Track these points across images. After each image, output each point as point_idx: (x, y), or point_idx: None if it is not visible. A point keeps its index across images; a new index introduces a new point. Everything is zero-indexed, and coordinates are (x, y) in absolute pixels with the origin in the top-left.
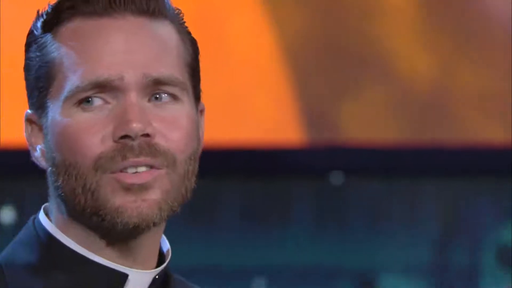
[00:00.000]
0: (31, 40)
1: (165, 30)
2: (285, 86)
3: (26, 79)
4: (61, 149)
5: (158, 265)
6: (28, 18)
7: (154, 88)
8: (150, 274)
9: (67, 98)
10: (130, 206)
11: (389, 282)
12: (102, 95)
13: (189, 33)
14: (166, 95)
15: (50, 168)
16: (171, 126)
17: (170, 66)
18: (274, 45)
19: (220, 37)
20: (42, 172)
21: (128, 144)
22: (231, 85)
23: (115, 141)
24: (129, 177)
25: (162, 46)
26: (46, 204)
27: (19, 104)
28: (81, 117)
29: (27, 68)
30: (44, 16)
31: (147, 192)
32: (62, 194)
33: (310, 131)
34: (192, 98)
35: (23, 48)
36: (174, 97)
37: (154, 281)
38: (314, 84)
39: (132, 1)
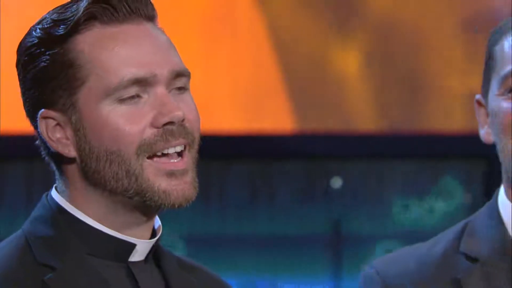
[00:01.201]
0: (42, 49)
1: (163, 32)
2: None
3: (36, 82)
4: (102, 139)
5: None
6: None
7: (175, 80)
8: (150, 243)
9: (106, 95)
10: (176, 189)
11: None
12: (136, 90)
13: None
14: (181, 86)
15: (80, 156)
16: (189, 111)
17: (181, 61)
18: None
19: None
20: None
21: (170, 129)
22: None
23: (156, 127)
24: (171, 164)
25: (171, 45)
26: (56, 184)
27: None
28: (121, 110)
29: (38, 74)
30: (56, 25)
31: (186, 176)
32: (98, 177)
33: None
34: None
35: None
36: (185, 86)
37: (151, 249)
38: None
39: (144, 9)
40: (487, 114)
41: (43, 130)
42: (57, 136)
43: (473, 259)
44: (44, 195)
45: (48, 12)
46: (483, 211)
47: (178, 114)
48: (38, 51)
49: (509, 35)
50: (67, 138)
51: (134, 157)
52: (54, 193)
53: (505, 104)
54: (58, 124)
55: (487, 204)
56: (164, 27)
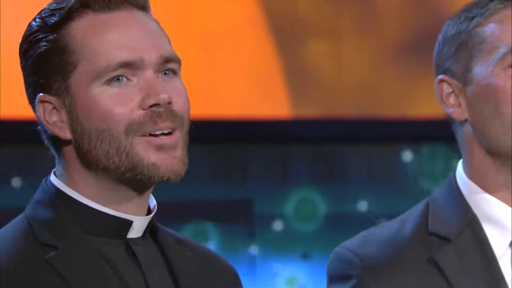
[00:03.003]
0: (39, 36)
1: (154, 20)
2: None
3: (35, 68)
4: (92, 119)
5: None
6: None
7: (164, 65)
8: (146, 219)
9: (96, 78)
10: (164, 163)
11: None
12: (125, 73)
13: None
14: (170, 70)
15: (74, 137)
16: (178, 94)
17: (170, 47)
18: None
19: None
20: None
21: (157, 111)
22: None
23: (144, 109)
24: (160, 139)
25: (161, 32)
26: (54, 169)
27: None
28: (110, 92)
29: (36, 60)
30: (52, 13)
31: (176, 150)
32: (91, 157)
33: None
34: None
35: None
36: (174, 71)
37: (148, 225)
38: None
39: None
40: (462, 92)
41: (41, 114)
42: (54, 119)
43: (445, 239)
44: (43, 180)
45: (48, 4)
46: (443, 190)
47: (164, 96)
48: (36, 38)
49: (494, 15)
50: (62, 121)
51: (124, 135)
52: (52, 177)
53: (503, 80)
54: (54, 107)
55: (446, 182)
56: (165, 28)
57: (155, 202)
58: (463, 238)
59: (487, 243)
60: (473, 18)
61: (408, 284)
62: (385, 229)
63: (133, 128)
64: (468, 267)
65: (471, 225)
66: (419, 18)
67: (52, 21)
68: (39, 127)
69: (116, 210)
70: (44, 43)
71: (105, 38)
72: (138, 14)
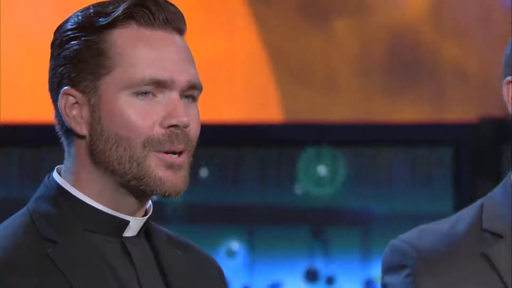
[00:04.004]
0: (78, 34)
1: (187, 45)
2: None
3: (68, 62)
4: (114, 124)
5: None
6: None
7: (188, 91)
8: (142, 220)
9: (128, 87)
10: (169, 179)
11: None
12: (154, 90)
13: None
14: (191, 97)
15: (90, 135)
16: (194, 120)
17: (197, 75)
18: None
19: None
20: None
21: (175, 132)
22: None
23: (163, 127)
24: (171, 158)
25: (191, 58)
26: (58, 166)
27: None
28: (137, 104)
29: (71, 54)
30: (97, 16)
31: (181, 171)
32: (103, 157)
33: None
34: None
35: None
36: (194, 98)
37: (143, 225)
38: None
39: (177, 21)
40: None
41: (62, 106)
42: (73, 113)
43: (498, 235)
44: (46, 177)
45: (92, 4)
46: (498, 190)
47: (184, 120)
48: (76, 34)
49: None
50: (82, 117)
51: (141, 147)
52: (55, 174)
53: None
54: (76, 102)
55: (501, 183)
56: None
57: (150, 202)
58: None
59: None
60: None
61: (460, 278)
62: (440, 225)
63: (151, 143)
64: None
65: None
66: None
67: (96, 24)
68: (55, 118)
69: (115, 210)
70: (83, 42)
71: (144, 53)
72: (176, 37)
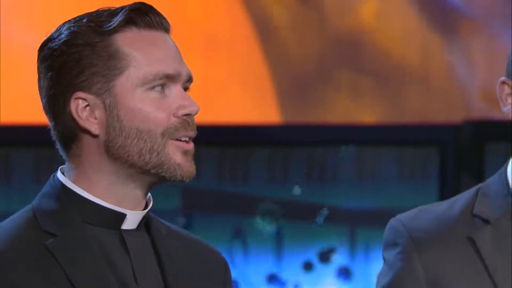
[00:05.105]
0: (81, 41)
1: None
2: None
3: (75, 67)
4: (135, 119)
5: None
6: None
7: (187, 83)
8: (141, 213)
9: (143, 84)
10: (186, 165)
11: None
12: (165, 83)
13: None
14: (188, 87)
15: (106, 133)
16: None
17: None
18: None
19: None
20: None
21: (187, 120)
22: None
23: (176, 117)
24: (186, 145)
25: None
26: (61, 166)
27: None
28: (152, 97)
29: (78, 61)
30: (100, 23)
31: (192, 156)
32: (122, 152)
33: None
34: None
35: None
36: (188, 89)
37: (143, 218)
38: None
39: (166, 22)
40: None
41: (73, 109)
42: (85, 115)
43: (485, 221)
44: (51, 176)
45: (84, 14)
46: (494, 178)
47: (196, 108)
48: (81, 41)
49: None
50: (95, 118)
51: (160, 137)
52: (59, 173)
53: None
54: (88, 105)
55: (498, 172)
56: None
57: (149, 195)
58: (503, 222)
59: None
60: None
61: (446, 259)
62: (438, 206)
63: (168, 132)
64: (503, 250)
65: (511, 213)
66: None
67: (100, 30)
68: (54, 123)
69: (115, 205)
70: (89, 47)
71: (152, 52)
72: (167, 36)
